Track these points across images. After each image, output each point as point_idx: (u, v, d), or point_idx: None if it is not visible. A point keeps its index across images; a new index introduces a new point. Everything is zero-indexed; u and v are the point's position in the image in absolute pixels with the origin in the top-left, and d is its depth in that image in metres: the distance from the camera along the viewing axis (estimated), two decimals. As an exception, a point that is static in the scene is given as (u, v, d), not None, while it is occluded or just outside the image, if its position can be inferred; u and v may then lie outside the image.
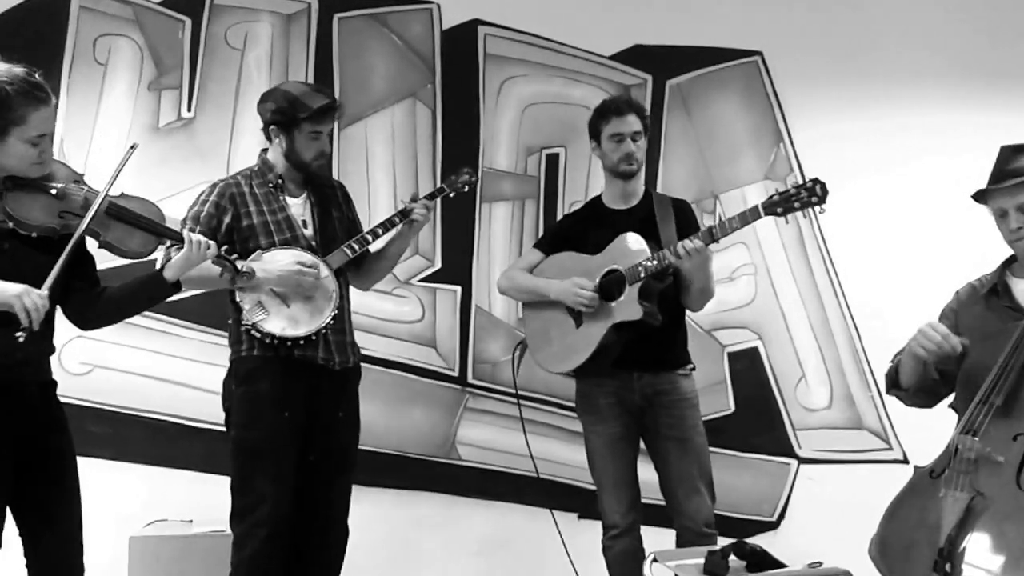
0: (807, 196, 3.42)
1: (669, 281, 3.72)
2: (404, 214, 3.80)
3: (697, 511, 3.80)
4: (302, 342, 3.55)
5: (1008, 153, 2.91)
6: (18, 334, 2.70)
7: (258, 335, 3.53)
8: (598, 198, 4.08)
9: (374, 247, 3.84)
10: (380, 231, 3.79)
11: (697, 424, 3.87)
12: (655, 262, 3.64)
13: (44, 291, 2.75)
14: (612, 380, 3.86)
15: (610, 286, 3.78)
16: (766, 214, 3.49)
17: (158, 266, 3.26)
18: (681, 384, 3.86)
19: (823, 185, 3.41)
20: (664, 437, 3.85)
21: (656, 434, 3.88)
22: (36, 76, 2.88)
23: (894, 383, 3.06)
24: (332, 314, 3.60)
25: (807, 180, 3.43)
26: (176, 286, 3.14)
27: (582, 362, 3.83)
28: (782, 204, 3.46)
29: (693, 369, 3.94)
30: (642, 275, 3.68)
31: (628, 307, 3.71)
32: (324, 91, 3.76)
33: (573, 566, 4.33)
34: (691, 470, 3.82)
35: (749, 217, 3.54)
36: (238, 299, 3.55)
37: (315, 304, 3.59)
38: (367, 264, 3.90)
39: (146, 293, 3.19)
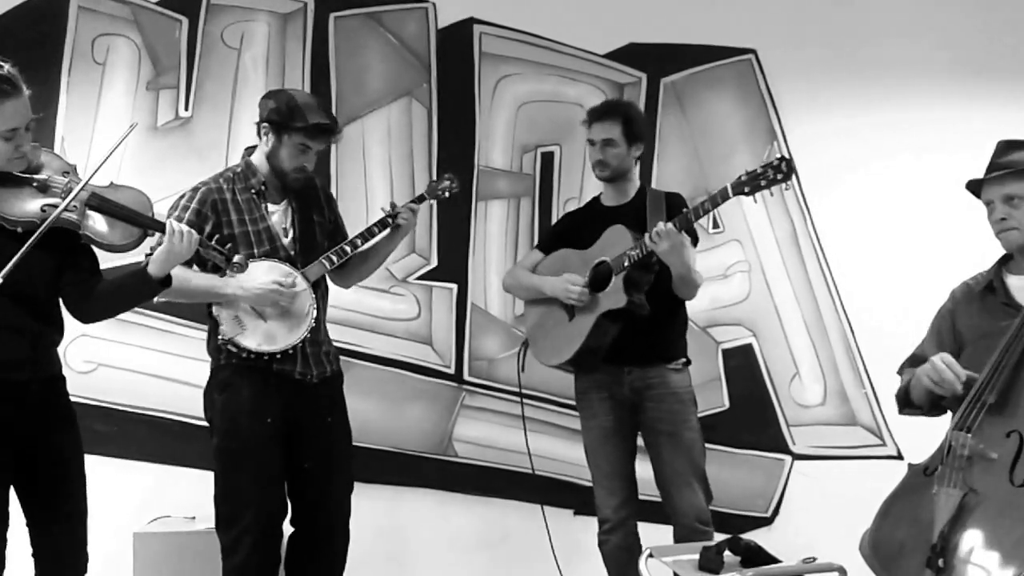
0: (773, 174, 3.45)
1: (656, 270, 3.73)
2: (383, 224, 3.81)
3: (689, 506, 3.81)
4: (279, 356, 3.55)
5: (1003, 147, 2.94)
6: None
7: (235, 350, 3.52)
8: (597, 197, 4.12)
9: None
10: (359, 242, 3.77)
11: (689, 419, 3.87)
12: (637, 250, 3.67)
13: (5, 271, 2.68)
14: (604, 375, 3.90)
15: (600, 278, 3.82)
16: (735, 194, 3.52)
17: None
18: (671, 378, 3.87)
19: (788, 162, 3.44)
20: (655, 432, 3.87)
21: (648, 429, 3.90)
22: (4, 69, 2.82)
23: (907, 403, 3.07)
24: (308, 329, 3.58)
25: (772, 158, 3.46)
26: (164, 283, 3.08)
27: (573, 354, 3.87)
28: (750, 183, 3.49)
29: (687, 364, 3.95)
30: (626, 264, 3.71)
31: (614, 296, 3.75)
32: (328, 110, 3.70)
33: (557, 563, 4.38)
34: (682, 465, 3.83)
35: (719, 199, 3.57)
36: (215, 314, 3.54)
37: (291, 319, 3.57)
38: (350, 265, 3.86)
39: (131, 289, 3.14)
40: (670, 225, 3.58)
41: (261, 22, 4.68)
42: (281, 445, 3.58)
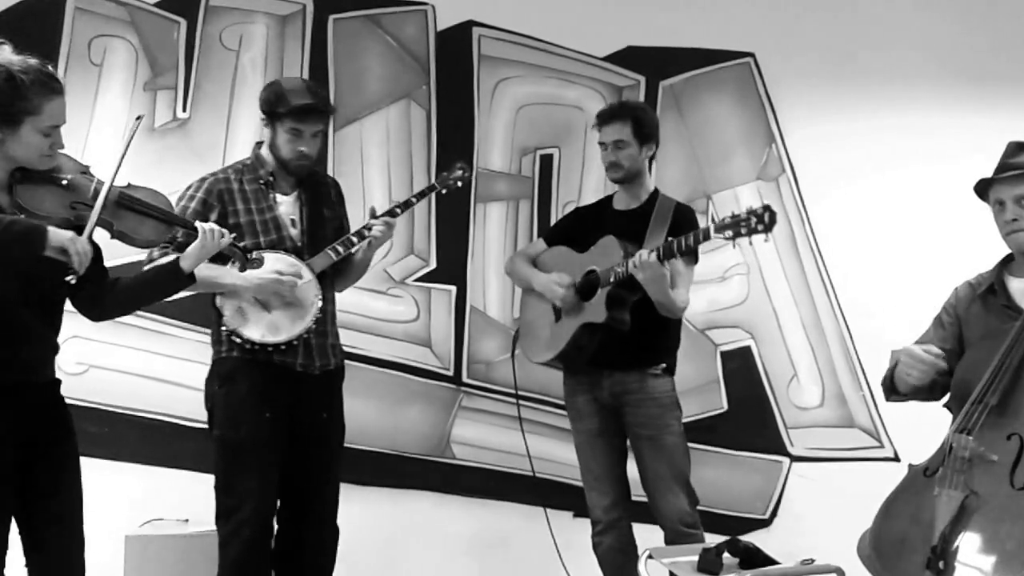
0: (755, 223, 3.43)
1: (641, 291, 3.72)
2: (366, 230, 3.72)
3: (672, 510, 3.82)
4: (282, 347, 3.56)
5: (1014, 147, 2.94)
6: (68, 277, 2.76)
7: (239, 341, 3.54)
8: (610, 198, 4.11)
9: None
10: (367, 232, 3.72)
11: (670, 424, 3.87)
12: (623, 268, 3.68)
13: (85, 237, 2.78)
14: (587, 378, 3.92)
15: (589, 286, 3.83)
16: (716, 234, 3.51)
17: (144, 267, 3.31)
18: (650, 383, 3.86)
19: (772, 214, 3.42)
20: (637, 436, 3.89)
21: (631, 433, 3.92)
22: (50, 67, 2.91)
23: (892, 390, 3.07)
24: (313, 320, 3.59)
25: (759, 207, 3.45)
26: (191, 277, 3.13)
27: (554, 355, 3.91)
28: (732, 227, 3.47)
29: (667, 369, 3.92)
30: (611, 280, 3.72)
31: (595, 310, 3.77)
32: (314, 91, 3.70)
33: (564, 565, 4.37)
34: (663, 470, 3.84)
35: (701, 237, 3.57)
36: (218, 304, 3.55)
37: (296, 310, 3.58)
38: (342, 267, 3.82)
39: (162, 283, 3.20)
40: (653, 256, 3.58)
41: (260, 24, 4.67)
42: (281, 438, 3.59)
